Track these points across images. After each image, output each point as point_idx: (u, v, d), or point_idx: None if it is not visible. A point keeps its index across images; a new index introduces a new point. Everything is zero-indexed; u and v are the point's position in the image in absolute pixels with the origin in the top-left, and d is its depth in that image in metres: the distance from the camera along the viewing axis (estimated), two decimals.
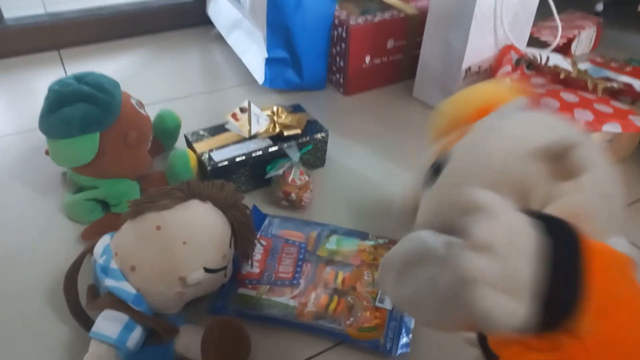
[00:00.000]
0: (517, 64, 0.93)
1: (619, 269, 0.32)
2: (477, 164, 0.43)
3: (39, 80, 1.06)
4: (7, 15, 1.15)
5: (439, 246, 0.35)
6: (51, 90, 0.67)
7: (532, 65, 0.93)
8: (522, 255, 0.29)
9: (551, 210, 0.38)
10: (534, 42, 1.06)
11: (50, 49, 1.17)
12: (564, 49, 1.16)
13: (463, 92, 0.55)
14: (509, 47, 0.94)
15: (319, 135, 0.80)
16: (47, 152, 0.71)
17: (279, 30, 0.98)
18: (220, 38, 1.24)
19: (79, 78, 0.69)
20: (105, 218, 0.71)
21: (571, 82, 0.86)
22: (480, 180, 0.41)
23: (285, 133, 0.77)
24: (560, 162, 0.38)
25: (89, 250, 0.56)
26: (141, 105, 0.76)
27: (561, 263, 0.29)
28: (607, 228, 0.40)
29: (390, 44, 1.03)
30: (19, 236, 0.70)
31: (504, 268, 0.28)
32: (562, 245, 0.30)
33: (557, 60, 0.94)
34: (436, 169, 0.47)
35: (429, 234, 0.36)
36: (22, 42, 1.15)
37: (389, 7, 1.05)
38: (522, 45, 0.97)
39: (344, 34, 0.98)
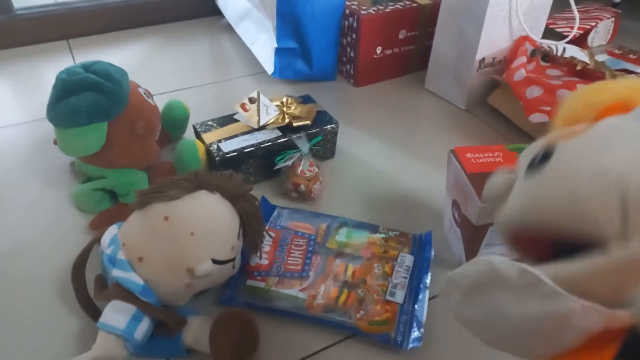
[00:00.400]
0: (533, 55, 0.91)
1: None
2: (586, 167, 0.37)
3: (48, 69, 1.06)
4: (17, 4, 1.14)
5: (513, 273, 0.32)
6: (58, 79, 0.67)
7: (548, 57, 0.91)
8: None
9: None
10: (549, 33, 1.04)
11: (59, 38, 1.17)
12: (580, 41, 1.13)
13: (601, 82, 0.49)
14: (524, 38, 0.92)
15: (328, 127, 0.79)
16: (55, 142, 0.70)
17: (289, 20, 0.97)
18: (229, 28, 1.23)
19: (87, 67, 0.68)
20: (113, 208, 0.70)
21: (588, 74, 0.84)
22: (587, 180, 0.36)
23: (295, 124, 0.76)
24: None
25: (97, 241, 0.56)
26: (149, 94, 0.75)
27: None
28: None
29: (402, 34, 1.01)
30: (28, 226, 0.70)
31: None
32: None
33: (574, 51, 0.92)
34: (542, 159, 0.41)
35: (501, 260, 0.33)
36: (32, 32, 1.14)
37: None
38: (537, 36, 0.95)
39: (354, 24, 0.96)
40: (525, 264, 0.32)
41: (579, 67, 0.85)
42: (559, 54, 0.89)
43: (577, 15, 0.94)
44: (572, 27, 0.95)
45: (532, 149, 0.44)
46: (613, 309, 0.31)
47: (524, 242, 0.42)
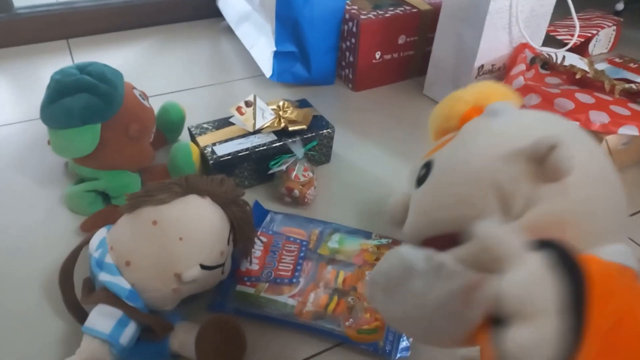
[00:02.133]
0: (532, 62, 0.90)
1: (619, 293, 0.31)
2: (457, 169, 0.43)
3: (46, 69, 1.06)
4: (17, 4, 1.14)
5: (420, 260, 0.34)
6: (53, 79, 0.67)
7: (547, 65, 0.90)
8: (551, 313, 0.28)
9: (534, 214, 0.37)
10: (549, 40, 1.03)
11: (58, 38, 1.17)
12: (580, 49, 1.13)
13: (454, 93, 0.55)
14: (524, 45, 0.92)
15: (324, 131, 0.78)
16: (49, 142, 0.70)
17: (288, 24, 0.96)
18: (229, 30, 1.23)
19: (82, 68, 0.68)
20: (105, 210, 0.70)
21: (587, 83, 0.83)
22: (461, 183, 0.42)
23: (290, 128, 0.76)
24: (542, 163, 0.37)
25: (86, 243, 0.55)
26: (145, 96, 0.75)
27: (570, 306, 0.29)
28: (602, 233, 0.39)
29: (401, 39, 1.01)
30: (19, 226, 0.69)
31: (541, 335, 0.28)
32: (569, 283, 0.29)
33: (574, 60, 0.91)
34: (426, 172, 0.47)
35: (408, 249, 0.36)
36: (32, 31, 1.14)
37: (401, 2, 1.03)
38: (537, 43, 0.94)
39: (354, 29, 0.96)
40: (430, 250, 0.35)
41: (578, 76, 0.84)
42: (559, 62, 0.89)
43: (577, 23, 0.93)
44: (572, 35, 0.94)
45: (417, 167, 0.52)
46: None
47: (432, 246, 0.44)
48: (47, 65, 1.08)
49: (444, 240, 0.42)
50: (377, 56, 1.00)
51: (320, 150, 0.80)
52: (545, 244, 0.32)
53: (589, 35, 1.11)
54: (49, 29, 1.16)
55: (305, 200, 0.73)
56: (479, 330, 0.33)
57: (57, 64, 1.07)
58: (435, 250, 0.35)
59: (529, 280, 0.29)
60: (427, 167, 0.47)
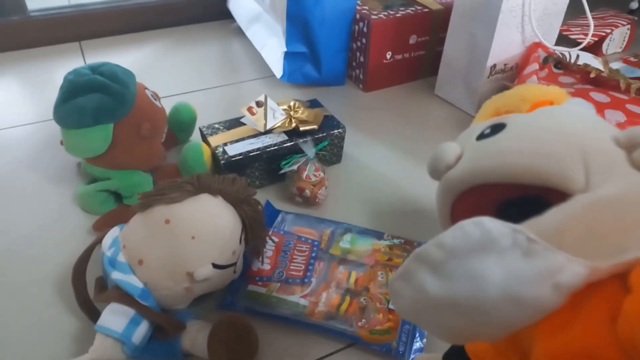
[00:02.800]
0: (545, 62, 0.89)
1: None
2: (545, 125, 0.39)
3: (58, 70, 1.07)
4: (31, 6, 1.16)
5: (506, 235, 0.30)
6: (66, 79, 0.67)
7: (561, 64, 0.89)
8: None
9: (614, 185, 0.34)
10: (562, 40, 1.02)
11: (71, 40, 1.18)
12: (594, 48, 1.11)
13: (521, 86, 0.55)
14: (537, 45, 0.91)
15: (335, 131, 0.78)
16: (62, 142, 0.71)
17: (299, 24, 0.96)
18: (239, 32, 1.23)
19: (94, 68, 0.68)
20: (116, 209, 0.70)
21: (602, 82, 0.82)
22: (549, 137, 0.37)
23: (302, 128, 0.76)
24: (633, 152, 0.35)
25: (99, 242, 0.55)
26: (156, 96, 0.75)
27: None
28: None
29: (412, 39, 1.00)
30: (31, 225, 0.70)
31: None
32: None
33: (587, 59, 0.90)
34: (493, 129, 0.42)
35: (491, 220, 0.31)
36: (44, 33, 1.15)
37: (413, 2, 1.02)
38: (550, 42, 0.93)
39: (365, 29, 0.95)
40: (514, 224, 0.31)
41: (592, 75, 0.83)
42: (572, 61, 0.88)
43: (591, 22, 0.92)
44: (586, 34, 0.93)
45: (476, 128, 0.46)
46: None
47: (465, 206, 0.41)
48: (59, 67, 1.08)
49: (480, 206, 0.39)
50: (388, 56, 1.00)
51: (331, 150, 0.80)
52: None
53: (603, 34, 1.10)
54: (62, 31, 1.17)
55: (317, 200, 0.72)
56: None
57: (69, 65, 1.07)
58: (466, 215, 0.31)
59: None
60: (496, 126, 0.42)
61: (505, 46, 0.89)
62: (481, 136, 0.42)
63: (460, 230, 0.32)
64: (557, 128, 0.38)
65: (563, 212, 0.33)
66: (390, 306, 0.57)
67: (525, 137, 0.39)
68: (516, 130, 0.40)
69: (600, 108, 0.74)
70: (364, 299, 0.58)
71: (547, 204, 0.34)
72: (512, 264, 0.29)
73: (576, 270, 0.29)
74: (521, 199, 0.36)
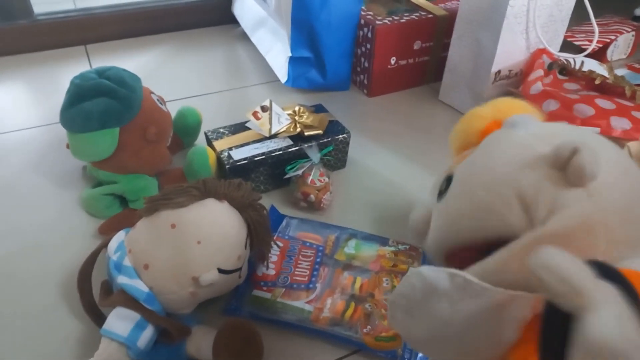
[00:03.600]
0: (550, 68, 0.89)
1: None
2: (477, 178, 0.43)
3: (64, 74, 1.07)
4: (38, 10, 1.16)
5: (443, 279, 0.33)
6: (72, 83, 0.67)
7: (566, 70, 0.89)
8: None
9: (559, 219, 0.36)
10: (567, 46, 1.02)
11: (77, 43, 1.19)
12: (598, 55, 1.11)
13: (472, 110, 0.56)
14: (541, 51, 0.91)
15: (340, 136, 0.78)
16: (68, 146, 0.71)
17: (304, 29, 0.97)
18: (244, 36, 1.23)
19: (101, 72, 0.68)
20: (122, 213, 0.70)
21: (607, 89, 0.82)
22: (483, 191, 0.41)
23: (306, 133, 0.76)
24: (564, 168, 0.37)
25: (104, 246, 0.55)
26: (162, 101, 0.76)
27: None
28: (634, 240, 0.37)
29: (417, 45, 1.00)
30: (37, 228, 0.70)
31: None
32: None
33: (592, 65, 0.90)
34: (446, 185, 0.47)
35: (428, 269, 0.35)
36: (51, 37, 1.16)
37: (417, 8, 1.03)
38: (555, 49, 0.93)
39: (369, 34, 0.96)
40: (452, 269, 0.34)
41: (597, 81, 0.83)
42: (577, 67, 0.88)
43: (596, 28, 0.92)
44: (590, 41, 0.93)
45: (435, 184, 0.51)
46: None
47: (455, 259, 0.44)
48: (65, 70, 1.09)
49: (467, 252, 0.42)
50: (393, 62, 1.00)
51: (336, 155, 0.80)
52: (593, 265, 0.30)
53: (608, 40, 1.10)
54: (68, 35, 1.17)
55: (321, 205, 0.72)
56: (518, 347, 0.32)
57: (75, 68, 1.08)
58: (457, 268, 0.34)
59: (622, 323, 0.26)
60: (448, 181, 0.47)
61: (510, 52, 0.89)
62: (440, 194, 0.48)
63: (407, 281, 0.36)
64: (489, 178, 0.41)
65: (505, 250, 0.36)
66: None
67: (463, 198, 0.43)
68: (457, 188, 0.45)
69: (605, 115, 0.74)
70: (369, 305, 0.58)
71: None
72: (462, 304, 0.32)
73: (518, 302, 0.31)
74: (493, 247, 0.39)
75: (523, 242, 0.35)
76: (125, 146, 0.68)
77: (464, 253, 0.43)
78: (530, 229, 0.37)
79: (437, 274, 0.34)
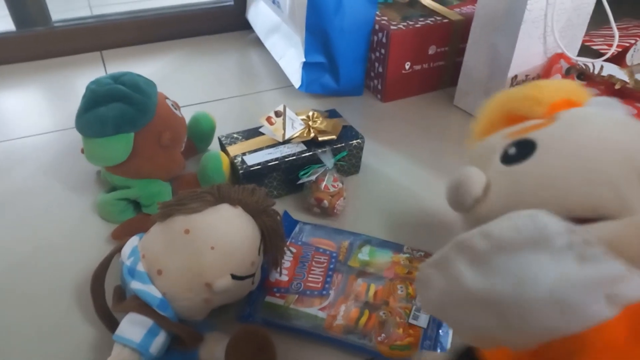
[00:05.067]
0: (568, 73, 0.88)
1: None
2: (589, 139, 0.35)
3: (80, 79, 1.09)
4: (56, 17, 1.18)
5: (562, 233, 0.27)
6: (88, 89, 0.68)
7: (584, 75, 0.87)
8: None
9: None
10: (584, 51, 1.01)
11: (93, 49, 1.20)
12: (617, 59, 1.09)
13: (536, 82, 0.48)
14: (559, 56, 0.89)
15: (354, 142, 0.77)
16: (82, 151, 0.71)
17: (318, 34, 0.96)
18: (258, 42, 1.24)
19: (116, 78, 0.69)
20: (136, 218, 0.70)
21: (628, 93, 0.80)
22: (597, 154, 0.34)
23: (320, 138, 0.75)
24: None
25: (118, 251, 0.55)
26: (177, 106, 0.76)
27: None
28: None
29: (432, 50, 0.99)
30: (50, 233, 0.70)
31: None
32: None
33: (612, 70, 0.89)
34: (520, 149, 0.38)
35: (547, 215, 0.28)
36: (67, 43, 1.18)
37: (432, 12, 1.02)
38: (573, 53, 0.92)
39: (384, 39, 0.95)
40: (572, 224, 0.28)
41: (617, 86, 0.81)
42: (596, 72, 0.86)
43: (616, 32, 0.91)
44: (609, 45, 0.91)
45: (491, 144, 0.42)
46: None
47: None
48: (81, 76, 1.10)
49: None
50: (407, 67, 0.99)
51: (349, 160, 0.79)
52: None
53: (627, 45, 1.08)
54: (84, 41, 1.19)
55: (335, 211, 0.72)
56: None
57: (90, 74, 1.09)
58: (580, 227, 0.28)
59: None
60: (523, 145, 0.38)
61: (527, 57, 0.87)
62: (507, 159, 0.38)
63: (511, 222, 0.29)
64: (600, 143, 0.34)
65: (629, 220, 0.30)
66: (411, 321, 0.56)
67: (568, 162, 0.34)
68: (554, 152, 0.36)
69: None
70: (384, 313, 0.57)
71: None
72: (566, 267, 0.27)
73: (634, 281, 0.27)
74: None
75: None
76: (140, 151, 0.68)
77: None
78: None
79: (557, 223, 0.28)
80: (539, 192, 0.36)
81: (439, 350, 0.54)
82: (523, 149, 0.38)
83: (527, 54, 0.87)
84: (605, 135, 0.35)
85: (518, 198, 0.36)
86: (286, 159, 0.73)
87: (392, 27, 0.94)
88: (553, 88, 0.46)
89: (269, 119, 0.77)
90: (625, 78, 0.83)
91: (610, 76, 0.84)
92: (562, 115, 0.40)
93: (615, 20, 0.88)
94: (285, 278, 0.61)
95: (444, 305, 0.31)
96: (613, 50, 0.90)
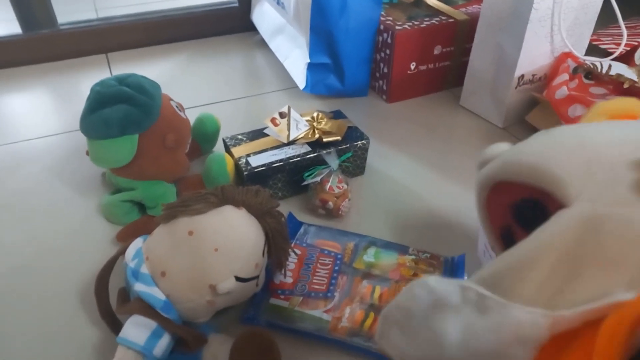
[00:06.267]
0: (575, 72, 0.87)
1: None
2: (573, 138, 0.37)
3: (85, 82, 1.09)
4: (62, 20, 1.19)
5: (454, 293, 0.30)
6: (93, 90, 0.68)
7: (592, 74, 0.86)
8: None
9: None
10: (592, 50, 1.00)
11: (98, 52, 1.20)
12: (625, 58, 1.08)
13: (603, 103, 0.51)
14: (566, 55, 0.88)
15: (359, 143, 0.77)
16: (87, 153, 0.71)
17: (322, 35, 0.96)
18: (263, 43, 1.24)
19: (121, 79, 0.69)
20: (140, 220, 0.70)
21: (637, 93, 0.79)
22: (563, 147, 0.36)
23: (325, 139, 0.75)
24: None
25: (122, 253, 0.55)
26: (181, 108, 0.76)
27: None
28: None
29: (437, 50, 0.99)
30: (55, 234, 0.70)
31: None
32: None
33: (620, 69, 0.87)
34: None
35: (437, 279, 0.31)
36: (73, 45, 1.18)
37: (438, 12, 1.01)
38: (580, 52, 0.91)
39: (389, 40, 0.95)
40: (465, 281, 0.30)
41: (626, 85, 0.80)
42: (604, 71, 0.85)
43: (624, 30, 0.90)
44: (617, 44, 0.90)
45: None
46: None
47: (493, 204, 0.42)
48: (86, 79, 1.11)
49: (503, 205, 0.40)
50: (412, 67, 0.99)
51: (354, 162, 0.79)
52: None
53: (636, 43, 1.07)
54: (89, 43, 1.19)
55: (340, 212, 0.71)
56: None
57: (96, 76, 1.09)
58: (488, 218, 0.31)
59: None
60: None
61: (533, 56, 0.87)
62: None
63: (410, 293, 0.32)
64: (579, 139, 0.37)
65: (551, 229, 0.31)
66: None
67: (547, 143, 0.38)
68: (549, 135, 0.40)
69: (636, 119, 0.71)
70: None
71: (546, 210, 0.34)
72: (469, 320, 0.29)
73: (535, 321, 0.28)
74: (525, 200, 0.37)
75: (577, 216, 0.31)
76: (144, 153, 0.68)
77: (504, 198, 0.40)
78: (579, 201, 0.32)
79: (447, 286, 0.30)
80: (511, 157, 0.40)
81: None
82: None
83: (534, 53, 0.86)
84: (588, 136, 0.37)
85: (501, 161, 0.41)
86: (291, 160, 0.72)
87: (397, 28, 0.93)
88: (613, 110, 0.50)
89: (273, 120, 0.77)
90: (634, 77, 0.82)
91: (619, 75, 0.83)
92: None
93: (624, 19, 0.87)
94: (289, 280, 0.61)
95: None
96: (621, 49, 0.89)
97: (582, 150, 0.35)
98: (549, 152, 0.36)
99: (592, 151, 0.35)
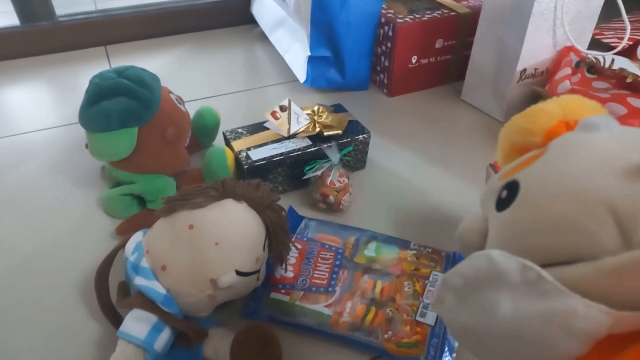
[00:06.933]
0: (577, 66, 0.86)
1: None
2: (557, 188, 0.36)
3: (84, 74, 1.08)
4: (60, 12, 1.17)
5: (515, 270, 0.29)
6: (91, 83, 0.67)
7: (594, 69, 0.86)
8: None
9: None
10: (594, 44, 0.99)
11: (97, 44, 1.20)
12: (628, 53, 1.07)
13: (536, 106, 0.48)
14: (569, 49, 0.88)
15: (360, 137, 0.77)
16: (87, 146, 0.71)
17: (323, 29, 0.95)
18: (263, 36, 1.23)
19: (120, 72, 0.68)
20: (140, 214, 0.70)
21: (639, 87, 0.79)
22: (565, 204, 0.34)
23: (325, 133, 0.74)
24: None
25: (122, 246, 0.55)
26: (181, 101, 0.75)
27: None
28: None
29: (438, 43, 0.98)
30: (55, 228, 0.70)
31: None
32: None
33: (623, 63, 0.87)
34: (509, 193, 0.40)
35: (501, 254, 0.31)
36: (71, 38, 1.17)
37: (439, 5, 1.01)
38: (583, 46, 0.90)
39: (390, 33, 0.94)
40: (526, 260, 0.30)
41: (629, 80, 0.80)
42: (607, 65, 0.85)
43: (628, 24, 0.89)
44: (620, 38, 0.90)
45: (490, 190, 0.45)
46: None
47: None
48: (85, 71, 1.10)
49: None
50: (414, 60, 0.98)
51: (355, 156, 0.79)
52: None
53: (639, 38, 1.06)
54: (88, 36, 1.18)
55: (341, 206, 0.71)
56: None
57: (95, 69, 1.08)
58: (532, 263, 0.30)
59: None
60: (511, 188, 0.40)
61: (535, 50, 0.86)
62: (499, 203, 0.41)
63: (472, 261, 0.32)
64: (572, 188, 0.34)
65: (594, 266, 0.31)
66: (418, 318, 0.55)
67: (537, 210, 0.36)
68: (528, 198, 0.38)
69: (638, 114, 0.71)
70: (390, 310, 0.56)
71: None
72: (522, 301, 0.29)
73: (593, 315, 0.27)
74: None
75: (619, 261, 0.29)
76: (144, 146, 0.67)
77: None
78: (628, 248, 0.31)
79: (509, 262, 0.30)
80: (508, 243, 0.38)
81: (446, 349, 0.53)
82: (511, 192, 0.40)
83: (536, 47, 0.86)
84: (576, 173, 0.36)
85: (508, 244, 0.39)
86: (291, 154, 0.72)
87: (398, 21, 0.93)
88: (547, 113, 0.47)
89: (274, 114, 0.76)
90: (637, 71, 0.82)
91: (622, 69, 0.82)
92: (550, 147, 0.41)
93: (627, 13, 0.86)
94: (290, 274, 0.60)
95: (450, 330, 0.35)
96: (624, 43, 0.89)
97: (589, 199, 0.34)
98: (559, 222, 0.34)
99: (598, 194, 0.33)
